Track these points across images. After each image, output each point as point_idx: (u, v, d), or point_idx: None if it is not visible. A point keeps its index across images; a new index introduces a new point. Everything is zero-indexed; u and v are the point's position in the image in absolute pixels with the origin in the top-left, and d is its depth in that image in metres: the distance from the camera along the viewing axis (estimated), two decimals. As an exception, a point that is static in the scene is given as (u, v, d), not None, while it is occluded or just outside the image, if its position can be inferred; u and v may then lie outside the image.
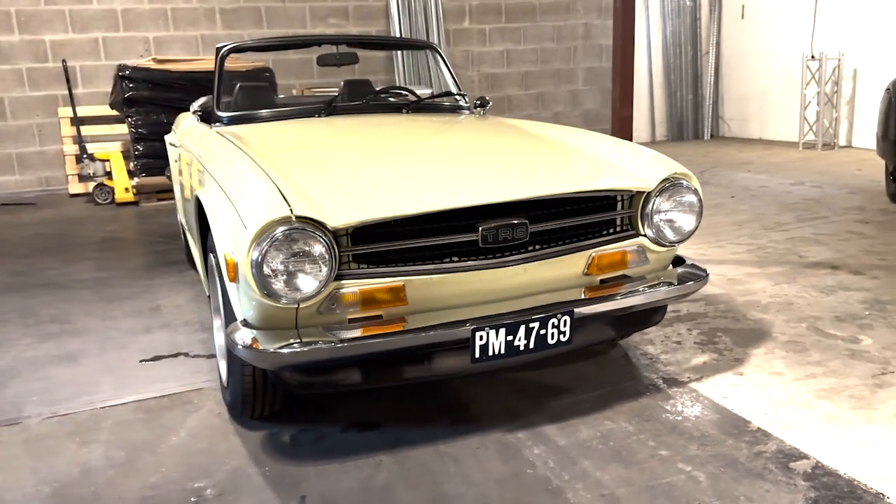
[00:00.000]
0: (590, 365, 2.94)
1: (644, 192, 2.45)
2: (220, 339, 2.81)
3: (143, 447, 2.45)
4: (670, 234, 2.49)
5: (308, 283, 2.06)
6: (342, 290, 2.12)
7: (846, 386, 2.66)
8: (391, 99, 3.79)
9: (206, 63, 7.43)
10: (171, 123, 7.13)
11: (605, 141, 2.95)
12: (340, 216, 2.08)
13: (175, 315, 3.81)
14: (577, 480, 2.13)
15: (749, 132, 10.71)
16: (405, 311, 2.22)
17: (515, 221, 2.25)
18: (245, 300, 2.14)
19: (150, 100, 7.13)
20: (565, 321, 2.27)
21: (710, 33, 10.92)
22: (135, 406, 2.77)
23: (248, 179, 2.29)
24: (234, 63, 7.55)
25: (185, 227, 4.19)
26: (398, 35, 9.08)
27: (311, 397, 2.67)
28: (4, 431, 2.62)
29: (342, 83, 4.24)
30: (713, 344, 3.08)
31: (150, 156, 7.19)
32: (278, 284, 2.04)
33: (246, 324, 2.18)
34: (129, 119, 7.14)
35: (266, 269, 2.02)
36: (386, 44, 4.59)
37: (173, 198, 7.65)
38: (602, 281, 2.48)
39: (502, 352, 2.22)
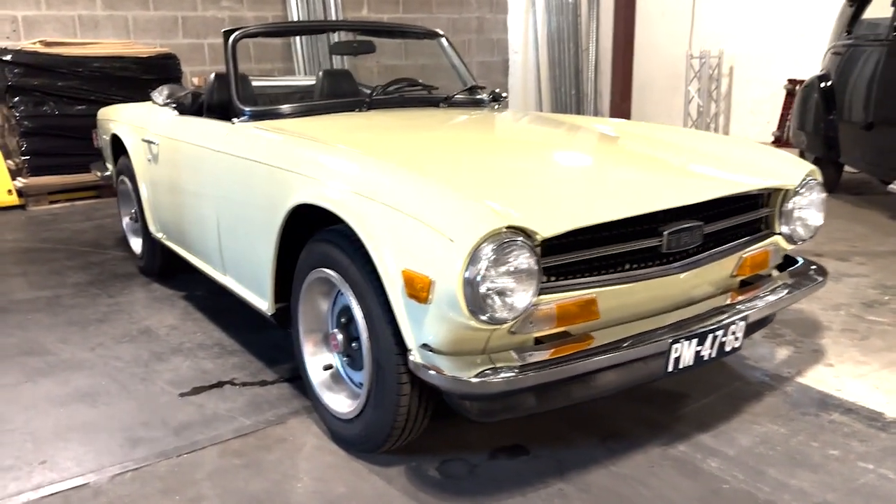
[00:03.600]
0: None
1: (785, 189, 2.42)
2: (314, 368, 2.46)
3: (270, 499, 2.09)
4: (802, 232, 2.49)
5: (521, 299, 1.83)
6: (540, 307, 1.91)
7: (929, 370, 2.80)
8: (423, 92, 3.52)
9: (105, 47, 6.64)
10: (66, 115, 6.33)
11: (714, 139, 2.93)
12: (551, 225, 1.87)
13: (179, 338, 3.32)
14: (780, 490, 2.07)
15: (627, 125, 11.21)
16: (593, 325, 2.04)
17: (695, 224, 2.13)
18: (436, 322, 1.86)
19: (39, 89, 6.23)
20: (741, 327, 2.19)
21: (589, 30, 11.30)
22: (218, 450, 2.37)
23: (425, 187, 1.99)
24: (131, 48, 6.80)
25: (171, 236, 3.68)
26: (296, 20, 8.59)
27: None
28: (73, 497, 2.14)
29: (320, 74, 3.91)
30: (780, 336, 3.14)
31: (39, 153, 6.29)
32: (492, 303, 1.80)
33: (428, 348, 1.90)
34: (13, 110, 6.20)
35: (483, 288, 1.77)
36: (395, 31, 4.23)
37: (72, 200, 6.81)
38: (742, 283, 2.44)
39: (690, 363, 2.11)
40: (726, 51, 9.65)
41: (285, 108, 3.12)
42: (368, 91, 4.41)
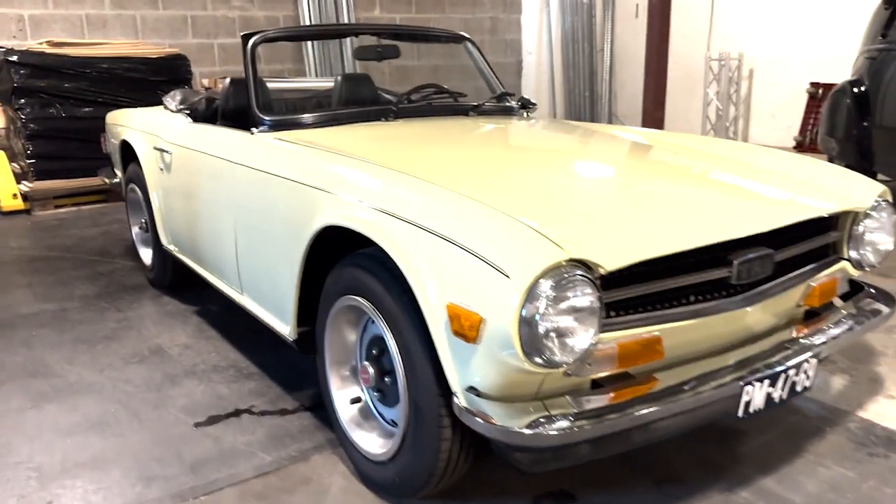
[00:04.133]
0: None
1: (854, 212, 2.23)
2: (342, 402, 2.28)
3: (298, 553, 1.91)
4: (872, 257, 2.29)
5: (581, 340, 1.64)
6: (599, 346, 1.72)
7: None
8: (450, 100, 3.33)
9: (114, 48, 6.46)
10: (73, 118, 6.13)
11: (775, 156, 2.72)
12: (615, 256, 1.67)
13: (192, 358, 3.14)
14: (860, 548, 1.88)
15: (642, 128, 11.01)
16: (656, 365, 1.85)
17: (766, 252, 1.94)
18: (485, 364, 1.67)
19: (45, 90, 6.05)
20: (813, 365, 2.00)
21: (604, 31, 11.10)
22: (238, 492, 2.18)
23: (473, 212, 1.80)
24: (139, 48, 6.63)
25: (184, 249, 3.50)
26: (308, 22, 8.41)
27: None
28: (82, 547, 1.96)
29: (338, 78, 3.71)
30: (832, 363, 2.94)
31: (45, 156, 6.12)
32: (550, 345, 1.61)
33: (474, 391, 1.72)
34: (19, 113, 6.03)
35: (540, 328, 1.58)
36: (419, 35, 4.04)
37: (78, 204, 6.62)
38: (806, 314, 2.24)
39: (761, 406, 1.91)
40: (746, 53, 9.44)
41: (307, 117, 2.93)
42: (388, 97, 4.27)
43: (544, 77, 10.76)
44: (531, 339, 1.58)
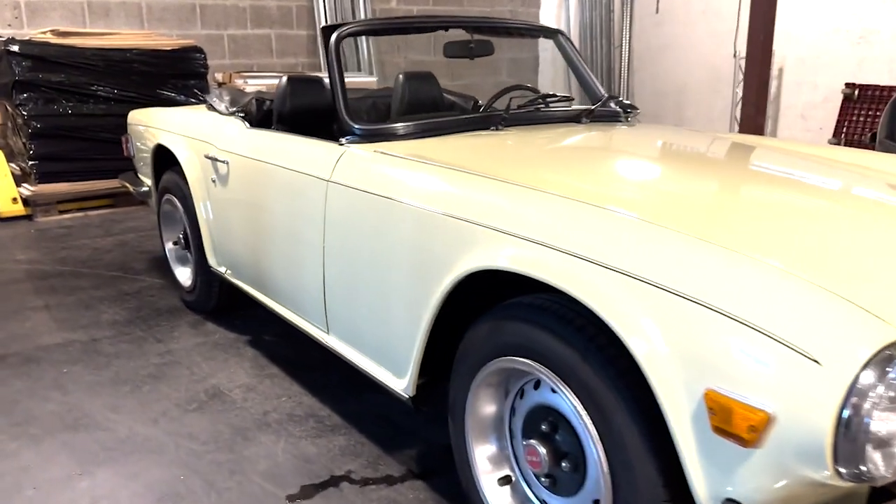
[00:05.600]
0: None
1: None
2: (490, 486, 1.84)
3: None
4: None
5: (904, 445, 1.22)
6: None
7: None
8: (557, 105, 2.89)
9: (124, 38, 5.94)
10: (79, 115, 5.58)
11: None
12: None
13: (260, 404, 2.68)
14: None
15: (660, 128, 10.66)
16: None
17: None
18: (763, 473, 1.25)
19: (49, 84, 5.52)
20: None
21: (622, 27, 10.71)
22: None
23: (736, 268, 1.36)
24: (152, 39, 6.11)
25: (241, 273, 3.03)
26: (322, 12, 7.93)
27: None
28: None
29: (400, 77, 3.26)
30: None
31: (48, 157, 5.59)
32: (870, 455, 1.19)
33: (733, 504, 1.30)
34: (20, 109, 5.49)
35: (865, 433, 1.16)
36: (512, 29, 3.59)
37: (84, 209, 6.07)
38: None
39: None
40: (776, 52, 9.09)
41: (402, 126, 2.48)
42: (452, 99, 3.83)
43: (560, 73, 10.35)
44: (849, 448, 1.16)
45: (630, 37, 10.86)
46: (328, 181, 2.32)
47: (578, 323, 1.53)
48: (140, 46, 5.82)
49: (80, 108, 5.63)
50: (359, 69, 8.22)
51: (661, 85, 10.65)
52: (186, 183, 3.29)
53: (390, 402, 2.62)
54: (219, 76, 6.75)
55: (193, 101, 5.70)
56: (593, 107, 2.90)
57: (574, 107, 2.91)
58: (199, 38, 7.27)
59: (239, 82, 6.54)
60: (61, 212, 5.68)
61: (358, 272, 2.21)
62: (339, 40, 2.58)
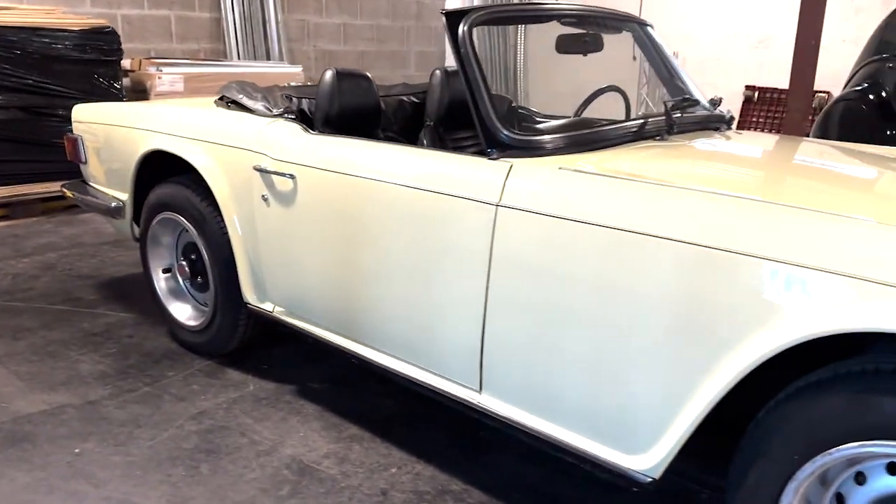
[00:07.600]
0: None
1: None
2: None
3: None
4: None
5: None
6: None
7: None
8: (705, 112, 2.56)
9: (22, 14, 4.92)
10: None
11: None
12: None
13: (369, 482, 2.15)
14: None
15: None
16: None
17: None
18: None
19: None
20: None
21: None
22: None
23: None
24: (57, 16, 5.14)
25: (311, 312, 2.45)
26: (228, -4, 7.12)
27: None
28: None
29: (437, 73, 2.87)
30: None
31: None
32: None
33: None
34: None
35: None
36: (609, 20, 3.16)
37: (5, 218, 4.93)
38: None
39: None
40: (677, 54, 9.33)
41: (561, 137, 2.03)
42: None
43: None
44: None
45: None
46: (497, 205, 1.85)
47: None
48: (42, 25, 4.84)
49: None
50: (268, 58, 7.47)
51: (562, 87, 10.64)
52: (206, 199, 2.65)
53: (523, 465, 2.21)
54: (126, 63, 5.80)
55: (115, 92, 4.85)
56: (717, 112, 2.60)
57: (696, 112, 2.57)
58: (131, 18, 6.34)
59: (151, 70, 5.68)
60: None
61: (557, 322, 1.76)
62: (470, 28, 2.10)
